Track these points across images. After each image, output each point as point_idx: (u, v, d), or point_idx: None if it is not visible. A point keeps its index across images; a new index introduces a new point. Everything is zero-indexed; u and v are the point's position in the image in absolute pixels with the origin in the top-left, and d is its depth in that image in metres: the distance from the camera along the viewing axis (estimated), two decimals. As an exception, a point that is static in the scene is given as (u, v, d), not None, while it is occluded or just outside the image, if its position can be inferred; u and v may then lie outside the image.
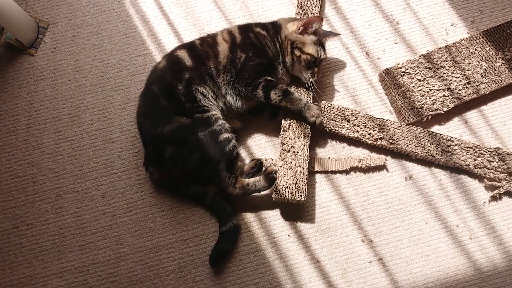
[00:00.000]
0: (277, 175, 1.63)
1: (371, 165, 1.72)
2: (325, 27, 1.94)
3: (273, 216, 1.72)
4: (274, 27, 1.75)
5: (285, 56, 1.73)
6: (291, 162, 1.64)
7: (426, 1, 1.96)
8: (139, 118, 1.71)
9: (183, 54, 1.68)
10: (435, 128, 1.80)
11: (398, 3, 1.97)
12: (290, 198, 1.61)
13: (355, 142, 1.78)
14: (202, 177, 1.66)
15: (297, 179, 1.62)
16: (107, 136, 1.83)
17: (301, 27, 1.68)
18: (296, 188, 1.61)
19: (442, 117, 1.79)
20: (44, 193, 1.77)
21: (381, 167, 1.75)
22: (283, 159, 1.65)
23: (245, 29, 1.75)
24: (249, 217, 1.73)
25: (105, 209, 1.75)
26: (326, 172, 1.75)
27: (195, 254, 1.69)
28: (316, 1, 1.89)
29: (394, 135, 1.71)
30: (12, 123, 1.84)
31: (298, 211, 1.72)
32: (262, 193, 1.68)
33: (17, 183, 1.77)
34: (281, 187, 1.62)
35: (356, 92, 1.86)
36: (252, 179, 1.65)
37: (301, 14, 1.88)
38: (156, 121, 1.62)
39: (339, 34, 1.79)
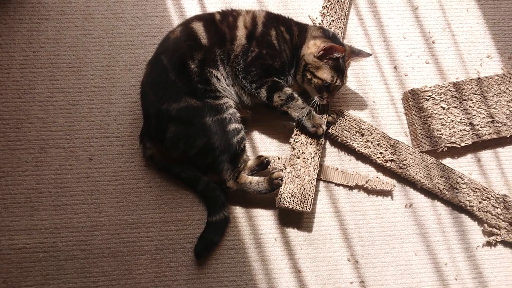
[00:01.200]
0: (283, 182, 1.54)
1: (377, 188, 1.65)
2: (358, 29, 1.83)
3: (264, 216, 1.64)
4: (300, 36, 1.58)
5: (297, 73, 1.59)
6: (299, 169, 1.55)
7: (467, 25, 1.85)
8: (143, 88, 1.58)
9: (199, 28, 1.53)
10: (447, 161, 1.72)
11: (438, 21, 1.85)
12: (294, 207, 1.52)
13: (363, 157, 1.69)
14: (204, 164, 1.56)
15: (304, 188, 1.53)
16: (106, 95, 1.69)
17: (321, 52, 1.51)
18: (302, 197, 1.53)
19: (456, 151, 1.72)
20: (28, 142, 1.64)
21: (386, 192, 1.68)
22: (291, 165, 1.55)
23: (270, 21, 1.58)
24: (239, 211, 1.64)
25: (90, 173, 1.64)
26: (329, 182, 1.67)
27: (175, 238, 1.61)
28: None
29: (406, 160, 1.63)
30: (5, 60, 1.69)
31: (290, 216, 1.64)
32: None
33: (0, 125, 1.64)
34: (286, 194, 1.53)
35: (375, 106, 1.76)
36: (255, 178, 1.55)
37: (327, 8, 1.75)
38: (163, 95, 1.49)
39: (371, 54, 1.62)
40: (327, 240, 1.64)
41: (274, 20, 1.60)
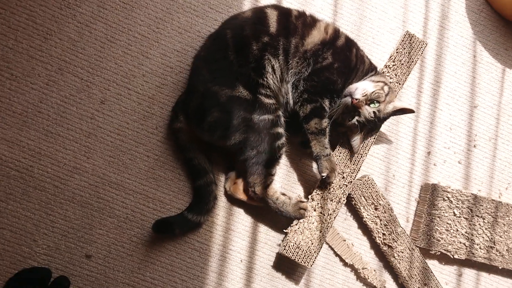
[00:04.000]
0: (293, 230, 1.49)
1: (368, 280, 1.60)
2: (413, 100, 1.75)
3: (240, 234, 1.59)
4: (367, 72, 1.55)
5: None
6: (313, 223, 1.50)
7: (513, 145, 1.81)
8: (198, 61, 1.50)
9: (272, 16, 1.46)
10: (432, 263, 1.69)
11: (489, 129, 1.80)
12: (297, 259, 1.48)
13: (365, 228, 1.64)
14: (238, 159, 1.48)
15: (312, 243, 1.48)
16: (145, 47, 1.59)
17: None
18: (307, 252, 1.48)
19: (445, 258, 1.69)
20: (49, 56, 1.53)
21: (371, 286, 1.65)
22: (306, 216, 1.50)
23: (353, 42, 1.55)
24: (220, 219, 1.59)
25: (96, 115, 1.55)
26: (328, 245, 1.63)
27: (148, 216, 1.54)
28: (412, 63, 1.68)
29: (402, 252, 1.59)
30: (63, -36, 1.56)
31: (266, 245, 1.60)
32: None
33: (28, 27, 1.52)
34: (292, 244, 1.48)
35: (393, 180, 1.71)
36: (283, 197, 1.49)
37: (389, 67, 1.67)
38: (219, 76, 1.42)
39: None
40: (288, 284, 1.61)
41: (355, 43, 1.56)
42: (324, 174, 1.47)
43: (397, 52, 1.69)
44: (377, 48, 1.75)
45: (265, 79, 1.44)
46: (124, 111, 1.56)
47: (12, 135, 1.49)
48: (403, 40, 1.69)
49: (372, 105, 1.46)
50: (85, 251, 1.50)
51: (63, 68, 1.54)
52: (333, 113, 1.50)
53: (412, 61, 1.69)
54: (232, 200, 1.58)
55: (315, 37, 1.47)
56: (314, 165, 1.65)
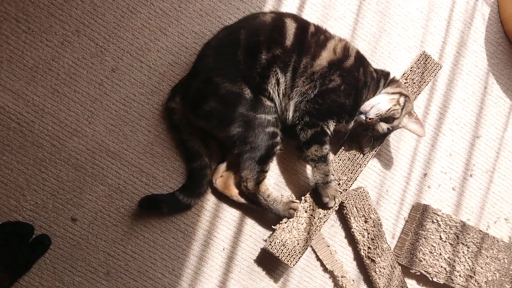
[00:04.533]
0: (281, 228, 1.50)
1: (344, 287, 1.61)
2: (419, 113, 1.76)
3: (227, 223, 1.60)
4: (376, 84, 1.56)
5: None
6: (302, 224, 1.50)
7: (509, 181, 1.82)
8: (207, 49, 1.50)
9: (291, 28, 1.44)
10: (410, 282, 1.70)
11: (488, 161, 1.81)
12: (280, 256, 1.48)
13: (351, 238, 1.64)
14: (231, 153, 1.49)
15: (298, 243, 1.48)
16: (165, 24, 1.59)
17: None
18: (291, 251, 1.48)
19: (424, 280, 1.70)
20: (68, 17, 1.54)
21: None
22: (297, 216, 1.51)
23: (362, 59, 1.53)
24: (210, 204, 1.59)
25: (104, 82, 1.55)
26: (312, 249, 1.63)
27: (139, 190, 1.55)
28: (424, 83, 1.69)
29: (384, 269, 1.59)
30: None
31: (251, 238, 1.60)
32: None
33: (53, -16, 1.53)
34: (278, 241, 1.48)
35: (386, 195, 1.72)
36: (275, 194, 1.50)
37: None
38: (223, 68, 1.41)
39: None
40: (266, 280, 1.61)
41: (365, 59, 1.55)
42: (326, 201, 1.49)
43: (411, 70, 1.70)
44: (392, 64, 1.76)
45: (267, 86, 1.44)
46: (133, 82, 1.57)
47: (18, 88, 1.49)
48: (418, 60, 1.71)
49: (386, 122, 1.49)
50: (71, 214, 1.51)
51: (80, 31, 1.54)
52: (346, 131, 1.53)
53: (424, 82, 1.70)
54: (215, 192, 1.58)
55: (324, 59, 1.45)
56: (309, 167, 1.66)
